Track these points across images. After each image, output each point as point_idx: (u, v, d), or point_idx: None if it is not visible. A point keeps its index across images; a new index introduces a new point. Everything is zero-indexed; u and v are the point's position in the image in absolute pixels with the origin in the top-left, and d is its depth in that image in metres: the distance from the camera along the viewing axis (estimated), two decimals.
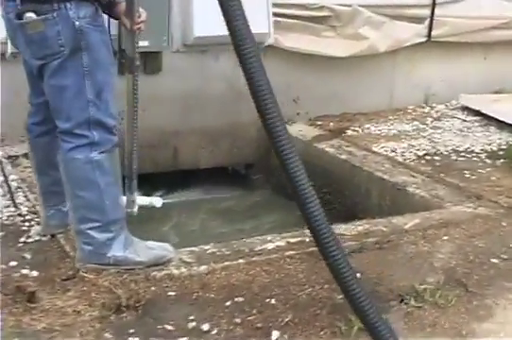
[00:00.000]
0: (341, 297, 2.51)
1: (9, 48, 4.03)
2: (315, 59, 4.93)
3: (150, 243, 2.92)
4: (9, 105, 4.16)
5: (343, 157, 4.37)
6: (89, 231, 2.72)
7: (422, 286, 2.77)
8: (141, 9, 2.87)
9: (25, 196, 3.54)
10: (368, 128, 4.96)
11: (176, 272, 2.82)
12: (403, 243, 3.18)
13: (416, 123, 5.15)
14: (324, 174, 4.51)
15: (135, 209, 3.60)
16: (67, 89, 2.60)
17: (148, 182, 4.66)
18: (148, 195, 4.32)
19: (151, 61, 4.50)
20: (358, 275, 2.77)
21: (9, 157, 4.11)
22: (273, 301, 2.68)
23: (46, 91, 2.67)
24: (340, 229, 3.29)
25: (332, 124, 5.03)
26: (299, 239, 3.18)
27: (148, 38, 4.27)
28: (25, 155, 4.04)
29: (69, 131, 2.66)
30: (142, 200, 4.04)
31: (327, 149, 4.51)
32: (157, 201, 4.10)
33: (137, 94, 3.03)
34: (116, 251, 2.75)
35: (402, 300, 2.70)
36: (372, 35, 4.96)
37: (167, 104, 4.64)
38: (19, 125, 4.12)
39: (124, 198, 3.12)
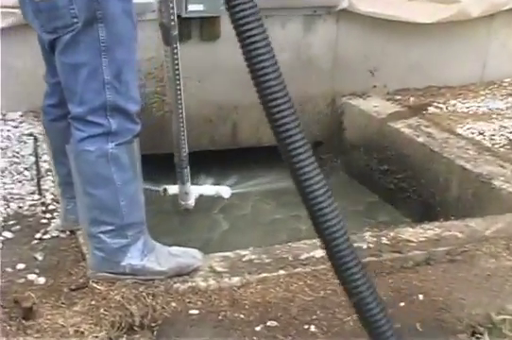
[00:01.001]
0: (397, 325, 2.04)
1: None
2: (395, 25, 4.34)
3: (175, 249, 2.50)
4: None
5: (420, 139, 3.80)
6: (101, 235, 2.31)
7: (501, 316, 2.25)
8: None
9: (54, 182, 3.16)
10: (454, 105, 4.35)
11: (202, 285, 2.40)
12: (481, 254, 2.65)
13: (511, 99, 4.50)
14: (399, 158, 3.98)
15: (190, 201, 3.26)
16: (80, 67, 2.17)
17: (205, 160, 4.26)
18: (217, 184, 3.93)
19: (208, 27, 4.03)
20: (420, 296, 2.31)
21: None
22: (313, 328, 2.23)
23: (58, 69, 2.26)
24: (406, 233, 2.79)
25: (412, 99, 4.44)
26: (356, 245, 2.67)
27: (203, 1, 3.81)
28: None
29: (82, 118, 2.24)
30: (208, 190, 3.71)
31: (403, 130, 3.95)
32: (225, 191, 3.71)
33: (178, 70, 2.70)
34: (133, 259, 2.35)
35: (474, 333, 2.20)
36: None
37: (226, 75, 4.17)
38: None
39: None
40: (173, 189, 3.44)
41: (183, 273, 2.43)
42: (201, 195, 3.62)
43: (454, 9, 4.28)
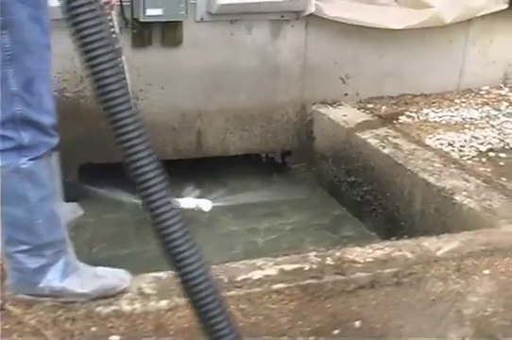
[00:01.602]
0: None
1: None
2: (367, 31, 4.20)
3: (101, 269, 2.36)
4: None
5: (385, 151, 3.66)
6: (17, 255, 2.17)
7: None
8: None
9: None
10: (427, 114, 4.21)
11: (127, 308, 2.26)
12: (429, 277, 2.50)
13: (487, 108, 4.35)
14: (365, 169, 3.84)
15: None
16: None
17: (169, 170, 4.14)
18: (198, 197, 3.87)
19: (169, 32, 3.89)
20: (357, 323, 2.17)
21: None
22: None
23: None
24: (353, 253, 2.64)
25: (384, 108, 4.30)
26: (298, 266, 2.55)
27: (162, 5, 3.67)
28: None
29: None
30: (188, 203, 3.74)
31: (369, 140, 3.80)
32: (205, 205, 3.67)
33: (125, 79, 2.55)
34: (52, 280, 2.20)
35: None
36: (438, 2, 4.16)
37: (190, 81, 4.04)
38: None
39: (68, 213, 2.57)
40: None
41: (108, 295, 2.29)
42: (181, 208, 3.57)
43: (427, 15, 4.13)
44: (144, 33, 3.81)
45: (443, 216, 3.21)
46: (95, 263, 3.40)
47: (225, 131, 4.23)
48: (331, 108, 4.30)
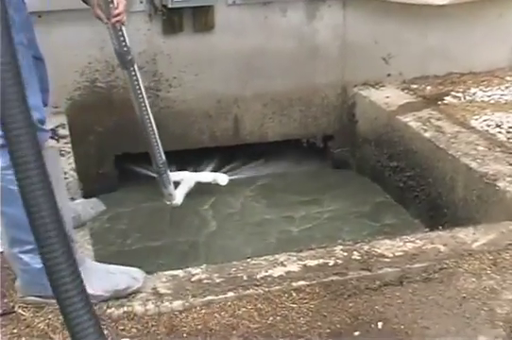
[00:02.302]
0: None
1: None
2: (409, 9, 4.00)
3: (112, 268, 2.29)
4: None
5: (427, 134, 3.47)
6: (22, 256, 2.11)
7: None
8: None
9: None
10: (474, 94, 3.99)
11: (139, 309, 2.18)
12: (462, 272, 2.34)
13: None
14: (407, 154, 3.66)
15: (176, 201, 3.34)
16: None
17: (206, 157, 4.06)
18: (214, 170, 3.87)
19: (201, 17, 3.78)
20: (380, 324, 2.04)
21: None
22: None
23: None
24: (382, 247, 2.50)
25: (429, 88, 4.09)
26: (322, 261, 2.42)
27: None
28: (52, 131, 3.53)
29: None
30: (205, 177, 3.81)
31: (411, 123, 3.62)
32: (222, 178, 3.72)
33: (140, 89, 2.73)
34: None
35: None
36: None
37: (224, 66, 3.93)
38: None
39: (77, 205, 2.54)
40: (172, 176, 3.43)
41: (120, 296, 2.22)
42: (199, 183, 3.70)
43: None
44: (174, 19, 3.70)
45: (485, 204, 3.02)
46: (128, 255, 3.39)
47: (262, 117, 4.11)
48: (373, 89, 4.12)
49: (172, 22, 3.72)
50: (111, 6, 2.38)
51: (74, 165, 3.21)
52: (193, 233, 3.59)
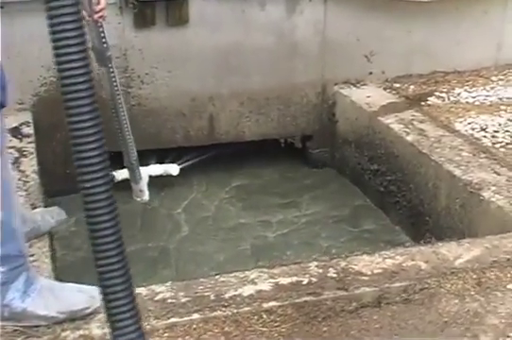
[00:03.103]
0: None
1: None
2: (393, 5, 3.84)
3: (69, 286, 2.13)
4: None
5: (409, 138, 3.32)
6: None
7: None
8: None
9: None
10: (459, 95, 3.84)
11: (97, 332, 2.02)
12: (444, 293, 2.20)
13: None
14: (388, 157, 3.52)
15: (145, 197, 3.30)
16: None
17: (181, 157, 3.90)
18: (162, 162, 3.75)
19: (174, 11, 3.59)
20: None
21: None
22: None
23: None
24: (360, 263, 2.35)
25: (412, 87, 3.94)
26: (295, 279, 2.27)
27: None
28: (16, 129, 3.36)
29: None
30: (156, 170, 3.72)
31: (393, 126, 3.47)
32: (173, 169, 3.60)
33: (117, 86, 2.70)
34: (12, 301, 1.97)
35: None
36: None
37: (199, 63, 3.75)
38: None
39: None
40: (122, 174, 3.45)
41: (76, 317, 2.05)
42: (150, 176, 3.60)
43: None
44: (146, 12, 3.52)
45: (469, 214, 2.88)
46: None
47: (239, 116, 3.94)
48: (354, 88, 3.97)
49: (144, 15, 3.53)
50: (94, 1, 2.24)
51: (36, 167, 3.03)
52: (164, 239, 3.43)
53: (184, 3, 3.57)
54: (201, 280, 2.28)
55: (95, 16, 2.27)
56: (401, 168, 3.39)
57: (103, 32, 2.35)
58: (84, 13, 2.26)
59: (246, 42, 3.75)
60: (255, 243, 3.39)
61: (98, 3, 2.26)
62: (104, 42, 2.38)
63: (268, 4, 3.72)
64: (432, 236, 3.16)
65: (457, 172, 2.98)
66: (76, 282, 2.96)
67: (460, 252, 2.41)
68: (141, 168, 3.69)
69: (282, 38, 3.80)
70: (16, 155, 3.14)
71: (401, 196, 3.41)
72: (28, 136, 3.33)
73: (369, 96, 3.83)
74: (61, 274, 3.08)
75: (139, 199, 3.26)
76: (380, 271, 2.30)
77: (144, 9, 3.51)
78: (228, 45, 3.73)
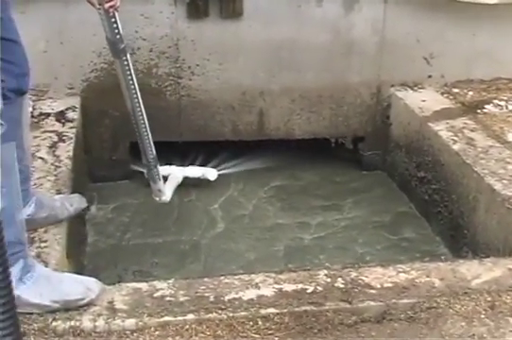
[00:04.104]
0: None
1: None
2: (457, 6, 3.68)
3: (67, 275, 2.13)
4: (52, 51, 3.52)
5: (456, 147, 3.19)
6: None
7: None
8: None
9: None
10: None
11: (87, 325, 2.01)
12: (452, 314, 2.09)
13: None
14: (435, 165, 3.39)
15: (164, 197, 3.13)
16: None
17: (227, 150, 3.88)
18: (202, 165, 3.73)
19: (228, 3, 3.55)
20: None
21: (41, 114, 3.44)
22: None
23: None
24: (371, 275, 2.26)
25: (470, 94, 3.78)
26: (300, 287, 2.20)
27: None
28: (61, 113, 3.40)
29: None
30: (194, 172, 3.72)
31: (441, 133, 3.34)
32: (211, 173, 3.57)
33: (132, 80, 2.52)
34: None
35: None
36: None
37: (251, 56, 3.70)
38: (64, 74, 3.53)
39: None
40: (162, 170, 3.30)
41: (70, 307, 2.05)
42: (187, 177, 3.62)
43: None
44: (198, 4, 3.49)
45: (504, 231, 2.74)
46: (124, 250, 3.24)
47: (290, 113, 3.87)
48: (410, 91, 3.84)
49: (197, 6, 3.51)
50: None
51: (71, 153, 3.05)
52: (197, 233, 3.41)
53: None
54: (205, 279, 2.24)
55: (106, 5, 2.21)
56: (445, 177, 3.26)
57: (116, 23, 2.29)
58: (93, 1, 2.22)
59: (300, 38, 3.68)
60: (290, 244, 3.33)
61: None
62: (117, 33, 2.33)
63: (325, 0, 3.62)
64: (469, 250, 3.04)
65: (498, 186, 2.83)
66: (101, 269, 3.03)
67: (480, 272, 2.29)
68: (179, 168, 3.68)
69: (338, 36, 3.70)
70: (55, 139, 3.17)
71: (444, 207, 3.28)
72: (72, 121, 3.36)
73: (424, 100, 3.70)
74: (90, 259, 3.15)
75: (157, 199, 3.12)
76: (390, 285, 2.21)
77: (196, 1, 3.48)
78: (281, 40, 3.67)
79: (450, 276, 2.26)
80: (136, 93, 2.55)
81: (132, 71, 2.48)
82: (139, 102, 2.57)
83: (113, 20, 2.31)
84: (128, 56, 2.45)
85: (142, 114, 2.61)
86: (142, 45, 3.58)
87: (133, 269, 3.10)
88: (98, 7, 2.25)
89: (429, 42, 3.80)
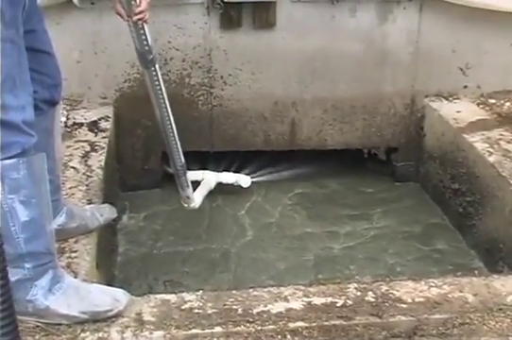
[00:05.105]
0: None
1: None
2: (494, 15, 3.62)
3: (95, 287, 2.12)
4: (86, 61, 3.55)
5: (491, 159, 3.13)
6: None
7: None
8: None
9: None
10: None
11: (115, 336, 2.01)
12: (486, 331, 2.05)
13: None
14: (469, 177, 3.34)
15: (193, 204, 3.10)
16: None
17: (257, 160, 3.87)
18: (236, 171, 3.72)
19: (261, 13, 3.54)
20: None
21: (74, 124, 3.46)
22: None
23: None
24: (402, 289, 2.22)
25: (508, 104, 3.72)
26: (330, 300, 2.17)
27: None
28: (94, 123, 3.42)
29: None
30: (227, 178, 3.73)
31: (476, 144, 3.29)
32: (244, 181, 3.56)
33: (161, 90, 2.50)
34: (36, 298, 1.99)
35: None
36: None
37: (283, 66, 3.69)
38: (98, 84, 3.56)
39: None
40: (191, 176, 3.29)
41: (99, 319, 2.05)
42: (220, 183, 3.64)
43: None
44: (231, 14, 3.49)
45: None
46: (155, 259, 3.24)
47: (322, 123, 3.85)
48: (445, 101, 3.79)
49: (230, 16, 3.50)
50: (133, 3, 2.19)
51: (103, 163, 3.06)
52: (227, 241, 3.40)
53: (272, 6, 3.51)
54: (233, 292, 2.22)
55: (135, 18, 2.22)
56: (480, 190, 3.20)
57: (145, 35, 2.28)
58: (122, 12, 2.22)
59: (333, 48, 3.66)
60: (319, 254, 3.31)
61: (139, 5, 2.20)
62: (146, 45, 2.32)
63: (359, 10, 3.60)
64: (504, 265, 2.98)
65: None
66: (132, 279, 3.03)
67: None
68: (214, 173, 3.68)
69: (372, 46, 3.67)
70: (87, 149, 3.19)
71: (478, 219, 3.22)
72: (104, 131, 3.38)
73: (459, 111, 3.65)
74: (120, 269, 3.15)
75: (186, 205, 3.11)
76: (421, 300, 2.17)
77: (229, 11, 3.48)
78: (314, 51, 3.65)
79: (484, 291, 2.22)
80: (165, 102, 2.55)
81: (161, 81, 2.48)
82: (167, 111, 2.58)
83: (142, 31, 2.30)
84: (157, 66, 2.45)
85: (170, 123, 2.61)
86: (175, 55, 3.58)
87: (164, 279, 3.09)
88: (127, 18, 2.25)
89: (465, 53, 3.75)
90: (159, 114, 2.58)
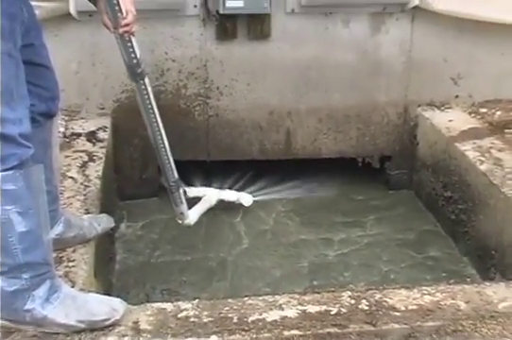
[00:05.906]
0: None
1: (72, 5, 3.39)
2: (485, 26, 3.68)
3: (92, 296, 2.16)
4: (84, 72, 3.59)
5: (483, 167, 3.18)
6: None
7: None
8: (130, 8, 2.20)
9: None
10: None
11: None
12: (478, 338, 2.09)
13: None
14: (461, 185, 3.38)
15: (187, 220, 3.10)
16: None
17: (253, 169, 3.91)
18: (238, 190, 3.76)
19: (256, 25, 3.59)
20: None
21: (72, 134, 3.50)
22: None
23: None
24: (395, 297, 2.26)
25: (498, 113, 3.77)
26: (324, 308, 2.21)
27: None
28: (92, 133, 3.46)
29: None
30: (229, 196, 3.72)
31: (468, 153, 3.33)
32: (246, 199, 3.59)
33: (151, 104, 2.51)
34: (34, 307, 2.02)
35: None
36: None
37: (278, 77, 3.74)
38: (96, 95, 3.60)
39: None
40: (193, 192, 3.49)
41: (96, 328, 2.08)
42: (222, 200, 3.63)
43: None
44: (227, 26, 3.54)
45: None
46: (153, 268, 3.27)
47: (317, 132, 3.90)
48: (437, 111, 3.84)
49: (225, 28, 3.55)
50: (119, 15, 2.20)
51: (101, 173, 3.10)
52: (224, 250, 3.44)
53: (266, 18, 3.56)
54: (229, 300, 2.26)
55: (120, 30, 2.22)
56: (472, 198, 3.25)
57: (132, 47, 2.26)
58: (109, 24, 2.23)
59: (327, 59, 3.71)
60: (314, 261, 3.35)
61: (125, 17, 2.19)
62: (134, 58, 2.32)
63: (352, 21, 3.65)
64: (496, 272, 3.03)
65: None
66: (130, 288, 3.06)
67: (507, 295, 2.28)
68: (216, 190, 3.70)
69: (365, 56, 3.72)
70: (85, 159, 3.23)
71: (471, 227, 3.27)
72: (102, 141, 3.42)
73: (451, 120, 3.70)
74: (118, 278, 3.19)
75: (180, 222, 3.11)
76: (414, 308, 2.21)
77: (225, 23, 3.53)
78: (308, 61, 3.70)
79: (476, 298, 2.26)
80: (155, 116, 2.55)
81: (151, 95, 2.49)
82: (159, 126, 2.58)
83: (130, 44, 2.28)
84: (147, 80, 2.46)
85: (162, 138, 2.61)
86: (171, 67, 3.63)
87: (161, 288, 3.12)
88: (113, 30, 2.26)
89: (456, 62, 3.80)
90: (150, 129, 2.58)
